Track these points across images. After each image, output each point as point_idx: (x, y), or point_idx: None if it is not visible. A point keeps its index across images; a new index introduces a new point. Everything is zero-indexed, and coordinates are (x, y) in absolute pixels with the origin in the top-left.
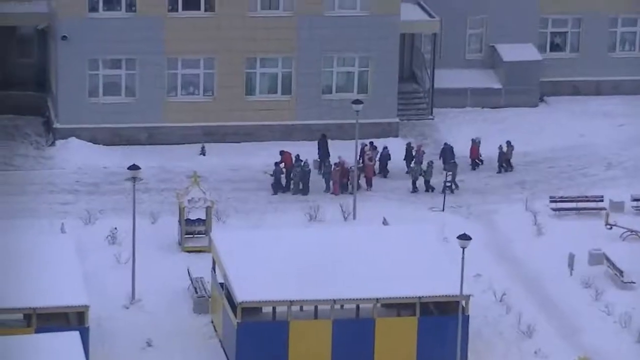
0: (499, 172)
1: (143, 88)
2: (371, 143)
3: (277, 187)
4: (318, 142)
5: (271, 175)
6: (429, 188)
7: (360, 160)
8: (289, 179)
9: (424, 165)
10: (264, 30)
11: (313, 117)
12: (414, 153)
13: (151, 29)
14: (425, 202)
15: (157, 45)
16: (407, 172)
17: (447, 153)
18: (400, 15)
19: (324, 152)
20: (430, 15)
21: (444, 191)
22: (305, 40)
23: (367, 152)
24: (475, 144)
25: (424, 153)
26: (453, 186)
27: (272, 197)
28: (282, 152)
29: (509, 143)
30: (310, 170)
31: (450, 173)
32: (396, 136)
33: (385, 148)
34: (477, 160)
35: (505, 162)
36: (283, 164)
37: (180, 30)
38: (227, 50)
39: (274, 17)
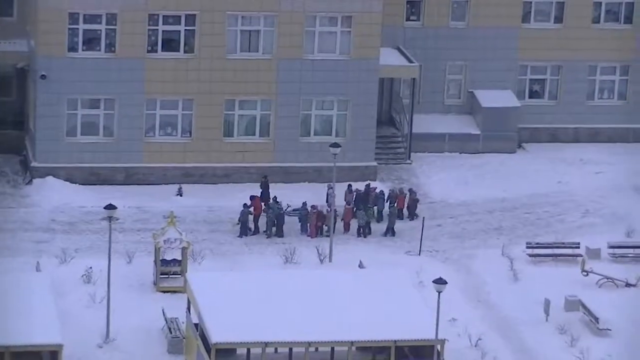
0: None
1: (121, 128)
2: (349, 186)
3: (244, 231)
4: (260, 184)
5: (237, 222)
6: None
7: (327, 202)
8: (256, 224)
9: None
10: (243, 73)
11: (291, 159)
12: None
13: (130, 70)
14: (402, 246)
15: (136, 86)
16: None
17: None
18: (380, 60)
19: (265, 194)
20: (409, 60)
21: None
22: (284, 83)
23: (331, 195)
24: (403, 195)
25: (376, 195)
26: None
27: (248, 239)
28: (252, 197)
29: (411, 190)
30: (284, 213)
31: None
32: (374, 180)
33: (357, 190)
34: (402, 211)
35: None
36: (252, 207)
37: (159, 71)
38: (205, 92)
39: (254, 60)
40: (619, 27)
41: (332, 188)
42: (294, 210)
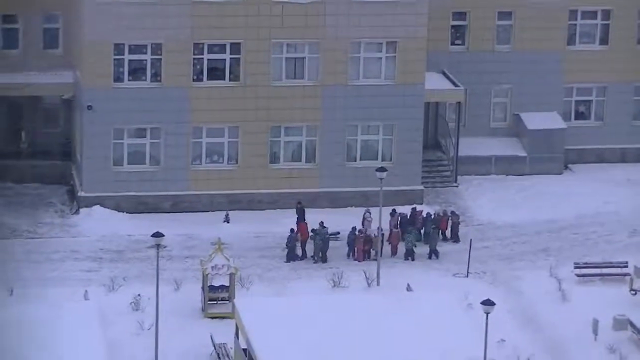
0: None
1: (167, 156)
2: (393, 210)
3: (291, 257)
4: (296, 210)
5: (285, 247)
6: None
7: (362, 226)
8: (303, 249)
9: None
10: (288, 100)
11: (337, 184)
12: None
13: (176, 99)
14: (449, 268)
15: (182, 115)
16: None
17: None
18: (425, 84)
19: (301, 219)
20: (455, 84)
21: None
22: (330, 109)
23: (368, 219)
24: (446, 217)
25: (424, 218)
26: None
27: (296, 264)
28: (298, 222)
29: (453, 213)
30: (329, 238)
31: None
32: (421, 203)
33: (401, 213)
34: (445, 233)
35: (454, 233)
36: (299, 234)
37: (204, 99)
38: (251, 120)
39: (299, 87)
40: None
41: (369, 212)
42: (331, 234)
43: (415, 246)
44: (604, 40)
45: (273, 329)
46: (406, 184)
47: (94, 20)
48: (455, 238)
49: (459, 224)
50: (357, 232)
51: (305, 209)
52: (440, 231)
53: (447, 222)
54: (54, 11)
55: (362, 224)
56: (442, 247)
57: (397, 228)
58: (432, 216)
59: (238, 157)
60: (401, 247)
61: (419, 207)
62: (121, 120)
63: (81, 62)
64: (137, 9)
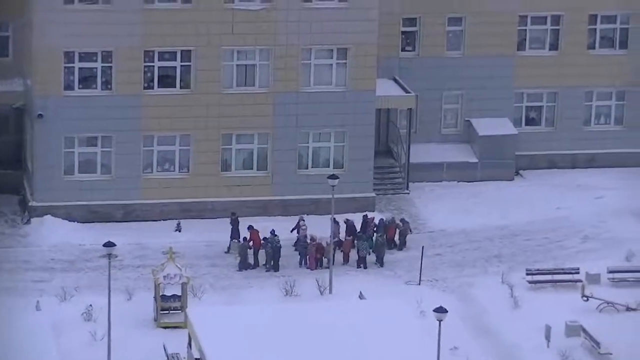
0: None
1: (119, 165)
2: (347, 219)
3: (243, 265)
4: (230, 221)
5: (225, 252)
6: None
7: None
8: (256, 257)
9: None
10: (239, 107)
11: (289, 192)
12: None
13: (127, 107)
14: (402, 275)
15: (133, 123)
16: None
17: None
18: (376, 91)
19: (235, 230)
20: (405, 90)
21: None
22: (281, 116)
23: (302, 227)
24: (394, 225)
25: (375, 225)
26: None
27: (248, 273)
28: (250, 229)
29: (402, 220)
30: (281, 246)
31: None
32: (373, 211)
33: (347, 221)
34: (393, 240)
35: (402, 240)
36: (251, 242)
37: (156, 107)
38: (202, 127)
39: (250, 94)
40: (614, 53)
41: (303, 219)
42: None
43: (369, 254)
44: (554, 46)
45: (226, 338)
46: (358, 191)
47: (43, 28)
48: (401, 246)
49: (409, 231)
50: (309, 240)
51: (265, 217)
52: (387, 239)
53: (395, 230)
54: (4, 19)
55: (297, 232)
56: (393, 255)
57: (349, 236)
58: (386, 223)
59: (189, 165)
60: (353, 255)
61: (370, 215)
62: (72, 129)
63: (31, 70)
64: (87, 16)
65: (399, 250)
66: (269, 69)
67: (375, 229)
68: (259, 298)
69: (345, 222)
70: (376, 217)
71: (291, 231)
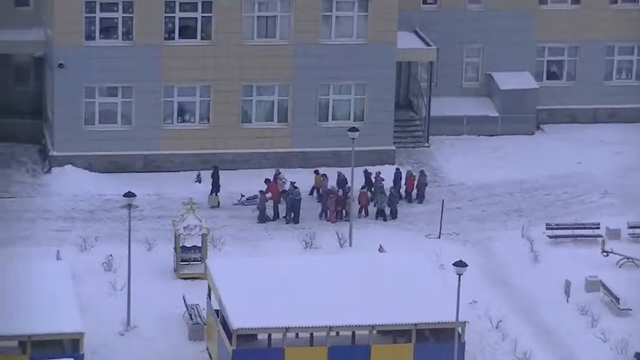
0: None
1: (139, 116)
2: (319, 172)
3: (263, 218)
4: (211, 174)
5: (238, 201)
6: (379, 215)
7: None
8: (276, 209)
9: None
10: (260, 58)
11: (309, 144)
12: (372, 180)
13: (148, 58)
14: (422, 229)
15: (154, 73)
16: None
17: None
18: (397, 44)
19: (215, 183)
20: (427, 43)
21: (377, 217)
22: (302, 68)
23: (282, 179)
24: (412, 177)
25: (382, 180)
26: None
27: (268, 225)
28: (267, 181)
29: (422, 173)
30: (300, 198)
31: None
32: (392, 163)
33: (339, 174)
34: (411, 194)
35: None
36: (269, 193)
37: (176, 58)
38: (223, 78)
39: (270, 46)
40: (636, 7)
41: (279, 171)
42: (247, 199)
43: (388, 206)
44: (576, 0)
45: (245, 290)
46: (378, 144)
47: None
48: (421, 199)
49: (426, 184)
50: (329, 194)
51: (285, 169)
52: (406, 192)
53: (413, 183)
54: None
55: (275, 180)
56: (414, 208)
57: (363, 188)
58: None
59: (209, 117)
60: (371, 208)
61: (371, 169)
62: (92, 79)
63: (52, 19)
64: None
65: (419, 204)
66: (289, 21)
67: (382, 182)
68: (279, 250)
69: (337, 175)
70: (387, 170)
71: (265, 182)
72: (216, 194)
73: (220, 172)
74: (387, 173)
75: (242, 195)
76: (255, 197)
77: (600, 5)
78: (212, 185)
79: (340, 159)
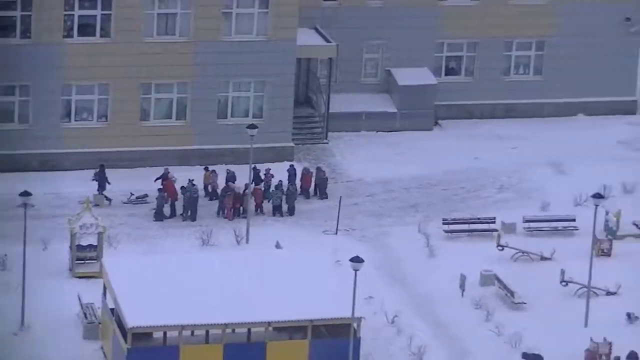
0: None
1: (36, 114)
2: (210, 169)
3: (160, 216)
4: (96, 173)
5: (128, 199)
6: (276, 212)
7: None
8: (173, 207)
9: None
10: (160, 56)
11: (208, 142)
12: (262, 177)
13: (46, 56)
14: (319, 225)
15: (52, 72)
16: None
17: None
18: (297, 40)
19: (102, 182)
20: (327, 40)
21: (274, 214)
22: (201, 66)
23: (172, 178)
24: (309, 174)
25: (272, 177)
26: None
27: (165, 223)
28: (163, 179)
29: (319, 169)
30: (198, 196)
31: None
32: (291, 160)
33: (228, 171)
34: (308, 190)
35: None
36: (166, 193)
37: (75, 56)
38: (121, 76)
39: (170, 43)
40: (534, 3)
41: (169, 171)
42: (137, 198)
43: (286, 202)
44: None
45: (141, 288)
46: (277, 141)
47: None
48: (322, 195)
49: (326, 179)
50: (227, 191)
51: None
52: (302, 188)
53: (310, 179)
54: None
55: (162, 181)
56: (311, 205)
57: (256, 186)
58: (303, 172)
59: (108, 115)
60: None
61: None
62: None
63: None
64: None
65: (321, 200)
66: (190, 18)
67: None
68: (176, 248)
69: (226, 172)
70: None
71: (155, 180)
72: (101, 193)
73: (118, 170)
74: (281, 170)
75: (132, 194)
76: (145, 195)
77: (499, 1)
78: (98, 184)
79: (239, 156)
